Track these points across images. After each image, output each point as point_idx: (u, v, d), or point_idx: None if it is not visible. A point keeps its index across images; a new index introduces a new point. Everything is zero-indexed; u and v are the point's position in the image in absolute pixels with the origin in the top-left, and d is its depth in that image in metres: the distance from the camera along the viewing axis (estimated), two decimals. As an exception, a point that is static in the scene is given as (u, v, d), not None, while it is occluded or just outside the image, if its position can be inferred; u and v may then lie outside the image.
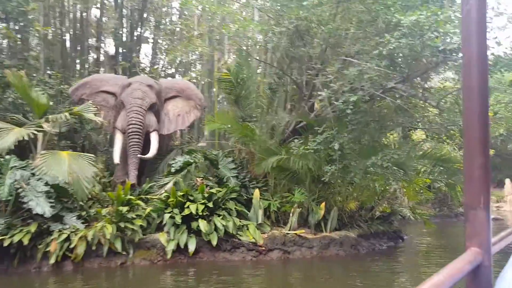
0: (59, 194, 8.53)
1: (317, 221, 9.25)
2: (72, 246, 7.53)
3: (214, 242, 7.99)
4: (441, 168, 10.09)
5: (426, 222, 10.37)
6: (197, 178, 9.68)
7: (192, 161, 10.26)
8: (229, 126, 10.64)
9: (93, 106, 10.65)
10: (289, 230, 8.99)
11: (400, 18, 7.70)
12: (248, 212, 9.23)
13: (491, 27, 8.99)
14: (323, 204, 9.38)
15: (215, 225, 8.19)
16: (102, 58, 18.01)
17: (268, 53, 13.14)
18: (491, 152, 20.66)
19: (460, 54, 9.42)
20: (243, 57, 12.15)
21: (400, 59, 8.84)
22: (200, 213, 8.34)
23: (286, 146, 10.35)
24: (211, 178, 10.34)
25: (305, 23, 9.98)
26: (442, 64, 9.64)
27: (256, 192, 9.48)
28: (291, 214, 9.19)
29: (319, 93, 8.93)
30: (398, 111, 10.89)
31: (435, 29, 7.88)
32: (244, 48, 12.87)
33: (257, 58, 13.44)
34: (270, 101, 12.33)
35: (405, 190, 11.06)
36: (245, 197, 9.67)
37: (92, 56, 17.50)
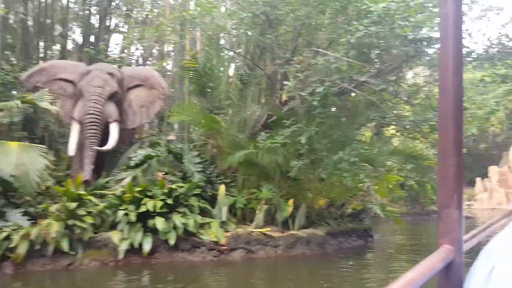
0: (5, 188, 7.80)
1: (284, 219, 8.83)
2: (12, 245, 6.81)
3: (172, 242, 7.43)
4: (412, 165, 9.87)
5: (396, 219, 10.14)
6: (158, 173, 9.08)
7: (154, 154, 9.65)
8: (195, 118, 10.10)
9: (49, 94, 9.87)
10: (254, 228, 8.53)
11: (370, 5, 7.34)
12: (212, 209, 8.71)
13: (463, 19, 8.78)
14: (291, 201, 8.97)
15: (174, 223, 7.63)
16: (70, 46, 17.05)
17: (242, 45, 12.67)
18: (463, 151, 20.94)
19: (431, 50, 9.29)
20: (212, 45, 11.60)
21: (369, 49, 8.50)
22: (159, 210, 7.76)
23: (255, 140, 9.90)
24: (176, 173, 9.76)
25: (275, 10, 9.54)
26: (414, 57, 9.41)
27: (222, 188, 8.97)
28: (257, 211, 8.74)
29: (284, 82, 8.50)
30: (370, 106, 10.65)
31: (406, 18, 7.59)
32: (214, 36, 12.33)
33: (227, 47, 12.92)
34: (241, 93, 11.83)
35: (376, 187, 10.80)
36: (211, 194, 9.15)
37: (59, 44, 16.49)
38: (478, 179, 25.81)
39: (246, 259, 7.87)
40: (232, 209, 9.01)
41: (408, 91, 11.06)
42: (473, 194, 24.19)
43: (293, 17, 9.45)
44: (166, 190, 8.25)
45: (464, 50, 8.65)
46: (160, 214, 7.73)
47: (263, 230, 8.42)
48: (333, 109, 11.01)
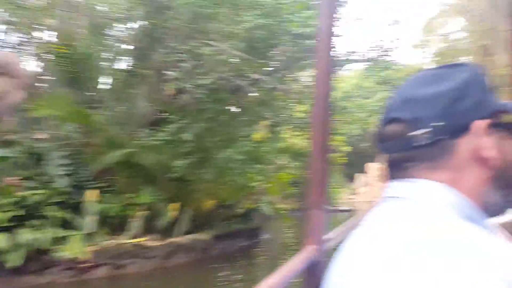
0: None
1: (166, 225, 7.99)
2: None
3: (15, 263, 6.00)
4: (300, 162, 9.94)
5: (283, 217, 10.10)
6: (8, 178, 7.43)
7: (8, 156, 7.93)
8: (63, 112, 8.64)
9: None
10: (130, 239, 7.51)
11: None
12: (79, 219, 7.42)
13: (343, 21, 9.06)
14: (175, 204, 8.18)
15: (21, 239, 6.21)
16: None
17: (131, 34, 11.42)
18: (349, 149, 22.54)
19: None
20: (92, 31, 10.20)
21: (261, 44, 8.20)
22: (6, 224, 6.27)
23: (137, 138, 8.87)
24: (36, 177, 8.16)
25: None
26: (306, 57, 9.45)
27: (91, 194, 7.73)
28: (133, 219, 7.74)
29: (166, 72, 7.72)
30: (262, 104, 10.49)
31: (294, 13, 7.46)
32: (96, 21, 10.89)
33: (114, 34, 11.55)
34: (126, 86, 10.61)
35: (268, 184, 10.65)
36: (79, 201, 7.81)
37: None
38: (359, 175, 28.25)
39: (112, 276, 6.79)
40: (107, 218, 7.84)
41: (299, 90, 11.18)
42: (355, 188, 26.41)
43: (181, 4, 8.70)
44: (16, 199, 6.73)
45: (346, 52, 8.98)
46: (5, 229, 6.23)
47: (138, 240, 7.46)
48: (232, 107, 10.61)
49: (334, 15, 1.03)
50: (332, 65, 1.04)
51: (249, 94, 10.57)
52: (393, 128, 0.56)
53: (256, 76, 9.22)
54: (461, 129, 0.53)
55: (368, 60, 9.23)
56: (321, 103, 1.02)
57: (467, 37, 19.58)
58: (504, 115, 0.56)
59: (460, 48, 20.38)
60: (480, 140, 0.53)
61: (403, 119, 0.55)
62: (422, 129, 0.53)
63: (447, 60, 20.64)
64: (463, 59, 20.19)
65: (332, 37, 1.04)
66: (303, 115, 11.42)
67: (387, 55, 9.32)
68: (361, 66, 10.44)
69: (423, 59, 21.09)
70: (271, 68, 10.25)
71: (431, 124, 0.52)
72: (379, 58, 9.23)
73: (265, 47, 8.34)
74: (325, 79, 1.03)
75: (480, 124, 0.53)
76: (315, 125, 1.01)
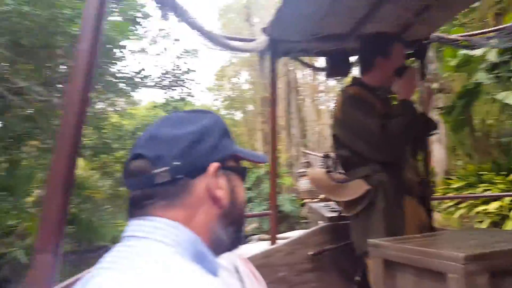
0: None
1: None
2: None
3: None
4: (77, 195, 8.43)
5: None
6: None
7: None
8: None
9: None
10: None
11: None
12: None
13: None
14: None
15: None
16: None
17: None
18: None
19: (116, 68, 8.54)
20: None
21: (27, 40, 6.53)
22: None
23: None
24: None
25: None
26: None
27: None
28: None
29: None
30: (31, 120, 8.58)
31: (75, 13, 6.31)
32: None
33: None
34: None
35: (29, 223, 8.49)
36: None
37: None
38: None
39: None
40: None
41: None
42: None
43: None
44: None
45: (135, 75, 8.45)
46: None
47: None
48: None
49: (100, 26, 0.91)
50: (88, 87, 0.89)
51: (12, 105, 8.42)
52: (137, 164, 0.56)
53: (22, 83, 7.36)
54: (198, 170, 0.56)
55: (161, 87, 8.93)
56: (68, 134, 0.87)
57: (252, 88, 22.55)
58: (234, 159, 0.62)
59: (246, 97, 23.21)
60: (213, 180, 0.57)
61: (146, 156, 0.56)
62: (163, 167, 0.54)
63: (235, 105, 23.04)
64: (248, 106, 23.00)
65: (94, 52, 0.91)
66: (86, 139, 10.01)
67: (182, 86, 9.30)
68: (160, 95, 10.11)
69: (214, 101, 22.92)
70: (51, 77, 8.58)
71: (171, 163, 0.54)
72: (172, 88, 9.11)
73: (36, 46, 6.70)
74: (76, 106, 0.88)
75: (214, 166, 0.57)
76: (58, 156, 0.87)
